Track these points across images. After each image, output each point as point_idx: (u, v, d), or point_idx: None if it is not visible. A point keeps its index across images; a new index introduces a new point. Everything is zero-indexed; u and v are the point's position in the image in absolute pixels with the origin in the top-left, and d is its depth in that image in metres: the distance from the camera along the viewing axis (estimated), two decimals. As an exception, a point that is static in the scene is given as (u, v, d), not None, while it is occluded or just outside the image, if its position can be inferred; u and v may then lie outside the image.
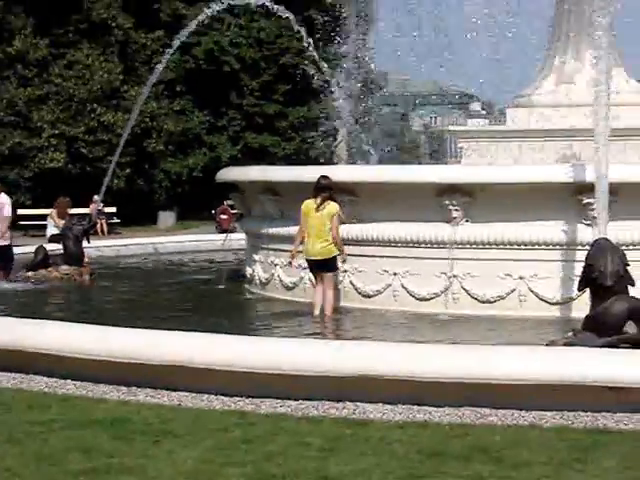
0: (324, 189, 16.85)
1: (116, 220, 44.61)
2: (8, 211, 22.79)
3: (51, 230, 29.47)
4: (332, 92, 22.48)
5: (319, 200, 16.76)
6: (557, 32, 22.25)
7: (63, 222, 27.32)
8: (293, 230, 18.23)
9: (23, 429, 9.89)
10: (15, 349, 12.67)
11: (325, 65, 22.64)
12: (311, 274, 17.41)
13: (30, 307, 18.30)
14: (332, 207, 16.75)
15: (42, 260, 24.01)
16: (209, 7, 26.68)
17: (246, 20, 47.51)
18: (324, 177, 16.89)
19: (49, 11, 47.24)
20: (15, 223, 41.78)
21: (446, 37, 23.26)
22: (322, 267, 17.14)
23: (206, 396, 11.12)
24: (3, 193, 22.66)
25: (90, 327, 13.20)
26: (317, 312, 17.09)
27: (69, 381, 12.07)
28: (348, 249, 17.35)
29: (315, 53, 22.63)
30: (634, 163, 16.08)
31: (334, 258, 17.00)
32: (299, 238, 17.27)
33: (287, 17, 23.34)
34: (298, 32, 23.20)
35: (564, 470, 8.45)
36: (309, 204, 16.94)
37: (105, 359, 11.87)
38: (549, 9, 22.40)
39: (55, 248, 25.11)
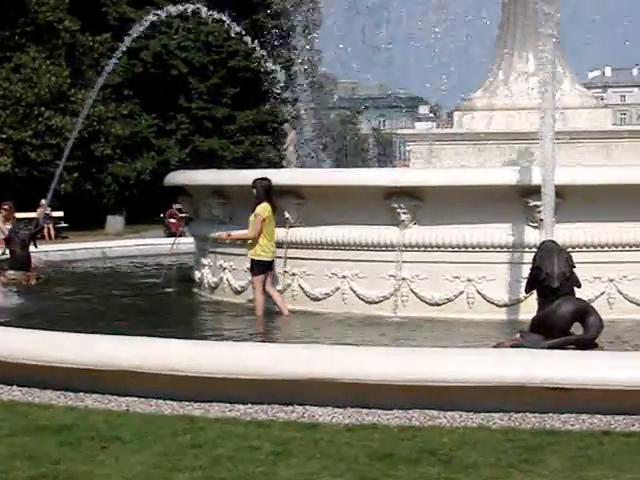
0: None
1: (64, 224, 44.50)
2: None
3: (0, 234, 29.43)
4: (280, 95, 22.49)
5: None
6: (504, 37, 22.41)
7: (9, 226, 27.26)
8: (240, 233, 18.29)
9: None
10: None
11: (273, 67, 22.64)
12: (260, 276, 17.39)
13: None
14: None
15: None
16: (156, 11, 26.93)
17: (194, 23, 47.58)
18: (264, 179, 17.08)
19: (6, 17, 47.10)
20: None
21: (390, 44, 23.15)
22: (271, 267, 17.28)
23: (154, 401, 11.12)
24: None
25: (32, 331, 13.15)
26: (261, 313, 17.21)
27: (14, 387, 12.02)
28: (296, 252, 17.42)
29: (264, 53, 22.65)
30: (580, 165, 16.19)
31: None
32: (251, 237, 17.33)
33: (229, 21, 23.41)
34: (239, 34, 23.22)
35: (512, 471, 8.51)
36: (268, 208, 17.05)
37: (47, 364, 11.86)
38: (497, 15, 22.55)
39: (3, 254, 25.02)
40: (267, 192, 17.30)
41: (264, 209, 17.16)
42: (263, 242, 17.18)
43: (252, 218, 17.26)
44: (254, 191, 17.29)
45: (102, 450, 9.29)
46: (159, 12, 26.59)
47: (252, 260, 17.40)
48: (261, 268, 17.38)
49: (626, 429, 9.79)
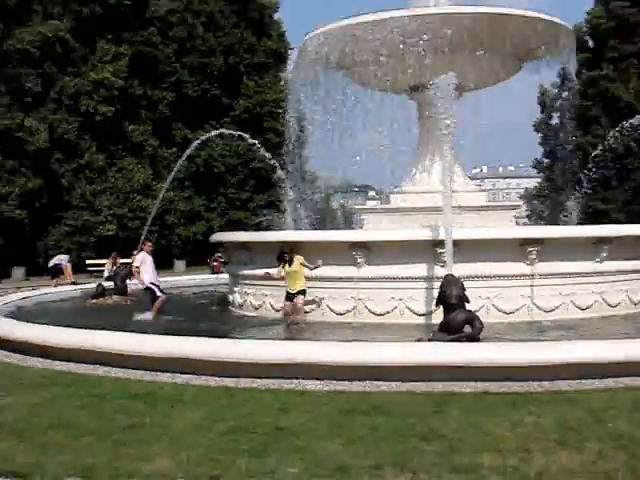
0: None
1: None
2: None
3: (107, 273, 29.36)
4: (282, 185, 22.49)
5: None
6: (420, 143, 22.50)
7: (114, 268, 27.29)
8: (258, 271, 18.24)
9: (88, 401, 9.87)
10: (85, 348, 12.59)
11: (278, 168, 22.64)
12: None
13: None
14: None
15: (101, 292, 23.91)
16: (205, 134, 27.20)
17: (228, 140, 47.76)
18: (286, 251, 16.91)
19: (105, 135, 47.29)
20: (85, 269, 41.92)
21: (356, 157, 23.15)
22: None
23: (204, 377, 11.06)
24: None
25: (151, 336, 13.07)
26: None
27: (116, 368, 11.94)
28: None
29: (274, 160, 22.64)
30: (467, 228, 16.22)
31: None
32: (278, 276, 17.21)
33: (249, 139, 23.50)
34: (254, 145, 23.27)
35: (428, 418, 8.52)
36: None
37: (136, 354, 11.90)
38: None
39: (109, 285, 24.94)
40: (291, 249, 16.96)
41: (299, 259, 16.87)
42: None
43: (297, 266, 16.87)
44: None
45: (171, 408, 9.34)
46: (206, 134, 26.84)
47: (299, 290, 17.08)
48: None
49: (499, 390, 9.82)
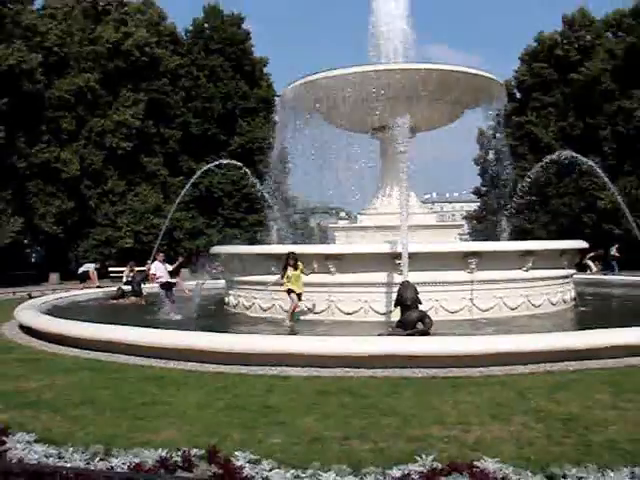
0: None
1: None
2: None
3: (125, 278, 29.15)
4: (269, 207, 22.43)
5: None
6: (381, 172, 22.52)
7: (132, 274, 27.10)
8: (251, 278, 18.25)
9: (110, 383, 9.82)
10: (107, 340, 12.51)
11: (265, 194, 22.51)
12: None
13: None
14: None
15: (121, 294, 23.78)
16: (206, 164, 27.17)
17: (225, 170, 47.52)
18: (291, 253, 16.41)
19: (125, 166, 47.17)
20: (107, 275, 41.65)
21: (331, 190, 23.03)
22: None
23: (206, 365, 10.98)
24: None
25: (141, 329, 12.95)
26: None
27: (132, 357, 11.88)
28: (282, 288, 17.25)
29: (262, 187, 22.53)
30: (420, 242, 16.23)
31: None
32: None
33: (243, 168, 23.38)
34: (246, 174, 23.12)
35: (386, 398, 8.52)
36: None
37: (148, 345, 11.81)
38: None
39: (127, 288, 24.79)
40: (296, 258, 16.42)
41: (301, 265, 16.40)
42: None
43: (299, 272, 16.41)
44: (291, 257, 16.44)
45: (178, 390, 9.31)
46: (207, 165, 26.74)
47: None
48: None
49: (445, 375, 9.86)
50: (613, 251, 38.90)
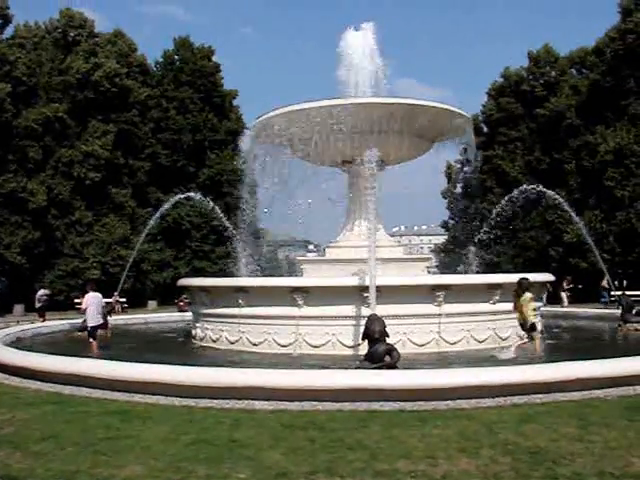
0: None
1: (125, 305, 43.29)
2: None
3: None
4: (237, 240, 22.33)
5: None
6: (349, 205, 22.57)
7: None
8: (219, 311, 18.13)
9: (73, 416, 9.63)
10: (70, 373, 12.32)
11: (230, 227, 22.35)
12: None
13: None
14: None
15: (86, 326, 23.43)
16: (175, 196, 27.11)
17: (193, 202, 47.50)
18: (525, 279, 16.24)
19: (93, 197, 46.93)
20: (73, 306, 41.19)
21: (300, 220, 23.02)
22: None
23: (170, 398, 10.81)
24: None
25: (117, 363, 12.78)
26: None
27: (97, 390, 11.62)
28: (248, 320, 17.20)
29: (228, 223, 22.37)
30: (387, 276, 16.29)
31: None
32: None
33: (210, 202, 23.35)
34: (214, 209, 22.97)
35: (354, 431, 8.47)
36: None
37: (113, 378, 11.63)
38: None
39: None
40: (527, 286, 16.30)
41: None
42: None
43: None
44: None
45: (143, 424, 9.15)
46: (175, 197, 26.63)
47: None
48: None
49: (412, 408, 9.81)
50: (604, 282, 37.50)
